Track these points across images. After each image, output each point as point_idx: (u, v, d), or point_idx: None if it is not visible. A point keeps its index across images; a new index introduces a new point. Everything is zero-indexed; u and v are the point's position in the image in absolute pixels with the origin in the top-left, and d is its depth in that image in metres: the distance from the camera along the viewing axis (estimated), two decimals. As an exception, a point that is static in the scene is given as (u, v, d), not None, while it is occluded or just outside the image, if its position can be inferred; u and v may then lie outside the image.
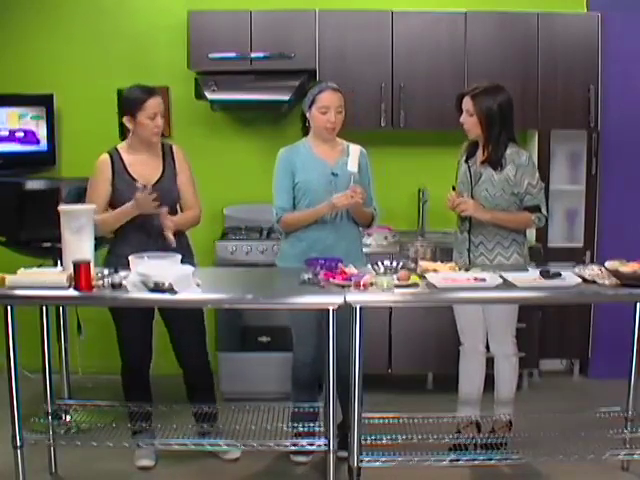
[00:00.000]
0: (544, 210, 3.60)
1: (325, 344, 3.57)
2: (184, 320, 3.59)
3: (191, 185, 3.69)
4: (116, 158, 3.56)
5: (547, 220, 3.70)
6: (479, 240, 3.61)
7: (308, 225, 3.58)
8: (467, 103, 3.54)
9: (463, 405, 3.74)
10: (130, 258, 3.13)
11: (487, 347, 3.74)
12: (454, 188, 3.71)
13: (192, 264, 3.39)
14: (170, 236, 3.43)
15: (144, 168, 3.56)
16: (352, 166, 3.50)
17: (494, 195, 3.54)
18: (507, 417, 3.65)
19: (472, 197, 3.58)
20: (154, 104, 3.49)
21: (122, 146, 3.61)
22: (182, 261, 3.27)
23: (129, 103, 3.52)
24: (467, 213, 3.55)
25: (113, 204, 3.54)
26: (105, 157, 3.57)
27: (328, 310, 2.98)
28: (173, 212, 3.60)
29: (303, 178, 3.59)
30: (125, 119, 3.53)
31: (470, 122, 3.55)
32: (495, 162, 3.53)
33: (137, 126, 3.51)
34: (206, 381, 3.74)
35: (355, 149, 3.54)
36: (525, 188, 3.53)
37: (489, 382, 3.74)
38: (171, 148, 3.67)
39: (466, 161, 3.66)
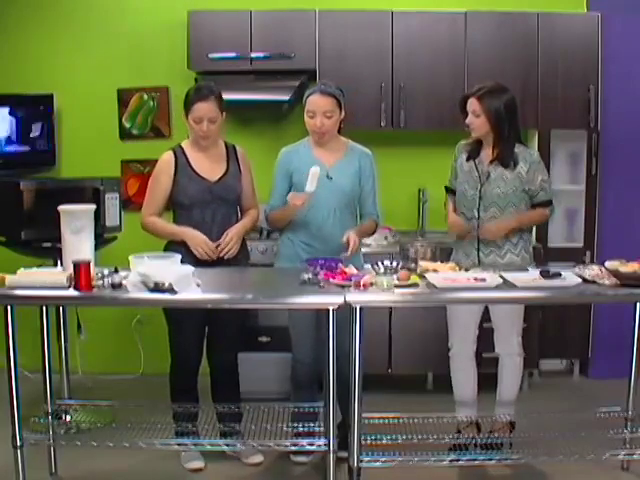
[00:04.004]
0: (554, 202, 3.67)
1: (323, 344, 3.59)
2: (222, 320, 3.59)
3: (252, 186, 3.73)
4: (180, 154, 3.59)
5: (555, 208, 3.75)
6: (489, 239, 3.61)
7: (293, 226, 3.60)
8: (473, 104, 3.53)
9: (460, 407, 3.74)
10: (130, 258, 3.14)
11: (478, 348, 3.74)
12: (447, 189, 3.79)
13: (247, 262, 3.73)
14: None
15: (207, 164, 3.58)
16: (309, 187, 3.42)
17: (506, 192, 3.55)
18: (508, 417, 3.64)
19: (480, 196, 3.59)
20: (200, 108, 3.47)
21: (186, 143, 3.64)
22: (239, 261, 3.56)
23: (185, 102, 3.56)
24: (492, 238, 3.57)
25: (173, 199, 3.57)
26: (169, 154, 3.60)
27: (328, 310, 2.98)
28: (234, 209, 3.65)
29: (299, 180, 3.58)
30: (183, 116, 3.57)
31: (477, 123, 3.54)
32: (507, 160, 3.55)
33: (189, 126, 3.55)
34: (231, 381, 3.74)
35: (314, 172, 3.41)
36: (539, 184, 3.57)
37: (490, 382, 3.74)
38: (234, 148, 3.69)
39: (468, 160, 3.66)
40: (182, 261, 3.22)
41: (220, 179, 3.58)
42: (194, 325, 3.56)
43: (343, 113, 3.59)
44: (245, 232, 3.64)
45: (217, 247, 3.50)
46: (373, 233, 3.76)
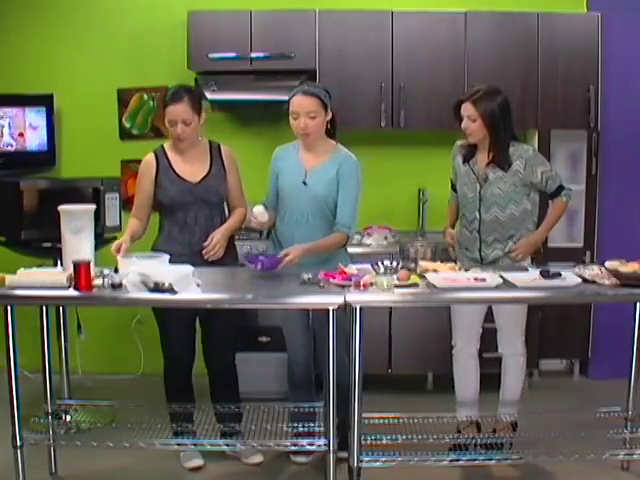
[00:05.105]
0: (566, 185, 3.65)
1: (315, 344, 3.59)
2: (217, 320, 3.59)
3: (239, 185, 3.71)
4: (161, 156, 3.58)
5: (571, 189, 3.71)
6: (493, 237, 3.62)
7: (276, 228, 3.64)
8: (468, 109, 3.52)
9: (461, 407, 3.74)
10: (118, 258, 3.14)
11: (480, 349, 3.75)
12: (452, 187, 3.79)
13: (235, 263, 3.67)
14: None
15: (189, 166, 3.57)
16: (261, 219, 3.48)
17: (507, 192, 3.57)
18: (509, 418, 3.64)
19: (480, 197, 3.60)
20: (172, 111, 3.46)
21: (168, 144, 3.63)
22: (226, 262, 3.53)
23: (162, 103, 3.57)
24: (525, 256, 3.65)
25: (157, 200, 3.57)
26: (150, 157, 3.60)
27: (328, 310, 2.97)
28: (218, 210, 3.63)
29: (282, 181, 3.61)
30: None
31: (473, 127, 3.53)
32: (503, 162, 3.55)
33: (168, 128, 3.55)
34: (230, 382, 3.73)
35: (257, 212, 3.45)
36: (541, 177, 3.57)
37: (491, 382, 3.74)
38: (219, 147, 3.67)
39: (464, 162, 3.67)
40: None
41: (201, 180, 3.56)
42: (182, 325, 3.56)
43: (329, 114, 3.54)
44: (231, 233, 3.61)
45: (202, 250, 3.48)
46: (343, 246, 3.57)
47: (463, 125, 3.56)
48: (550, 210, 3.70)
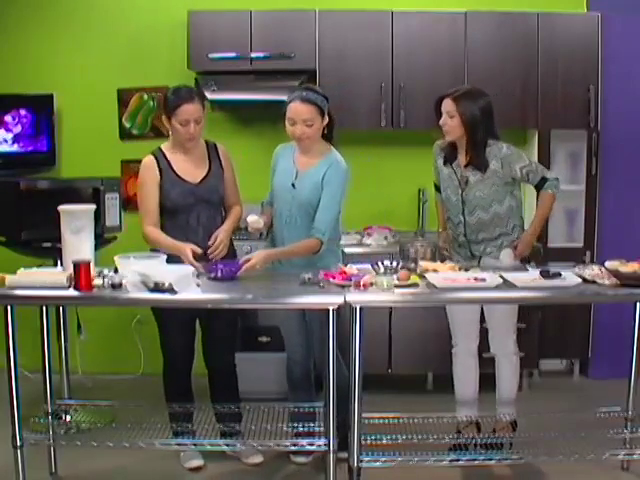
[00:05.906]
0: (550, 176, 3.60)
1: (312, 343, 3.57)
2: (217, 321, 3.59)
3: (235, 183, 3.70)
4: (160, 158, 3.55)
5: (557, 179, 3.64)
6: (481, 236, 3.63)
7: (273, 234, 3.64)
8: (448, 105, 3.52)
9: (461, 406, 3.74)
10: (115, 258, 3.14)
11: (479, 348, 3.75)
12: (436, 188, 3.85)
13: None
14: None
15: (189, 166, 3.55)
16: (257, 226, 3.48)
17: (489, 193, 3.56)
18: (508, 417, 3.65)
19: (463, 200, 3.60)
20: (186, 111, 3.41)
21: (166, 145, 3.60)
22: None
23: (166, 104, 3.50)
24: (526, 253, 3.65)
25: (160, 203, 3.53)
26: (150, 159, 3.54)
27: (328, 310, 2.97)
28: (219, 209, 3.63)
29: (274, 182, 3.62)
30: (163, 119, 3.53)
31: (450, 124, 3.53)
32: (480, 164, 3.54)
33: (172, 129, 3.50)
34: (230, 383, 3.73)
35: (251, 221, 3.45)
36: (520, 172, 3.54)
37: (490, 382, 3.74)
38: (215, 146, 3.66)
39: (445, 164, 3.67)
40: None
41: (202, 180, 3.55)
42: (181, 326, 3.55)
43: (326, 119, 3.50)
44: (232, 233, 3.62)
45: (206, 250, 3.45)
46: (316, 252, 3.43)
47: (441, 121, 3.56)
48: (539, 204, 3.66)
